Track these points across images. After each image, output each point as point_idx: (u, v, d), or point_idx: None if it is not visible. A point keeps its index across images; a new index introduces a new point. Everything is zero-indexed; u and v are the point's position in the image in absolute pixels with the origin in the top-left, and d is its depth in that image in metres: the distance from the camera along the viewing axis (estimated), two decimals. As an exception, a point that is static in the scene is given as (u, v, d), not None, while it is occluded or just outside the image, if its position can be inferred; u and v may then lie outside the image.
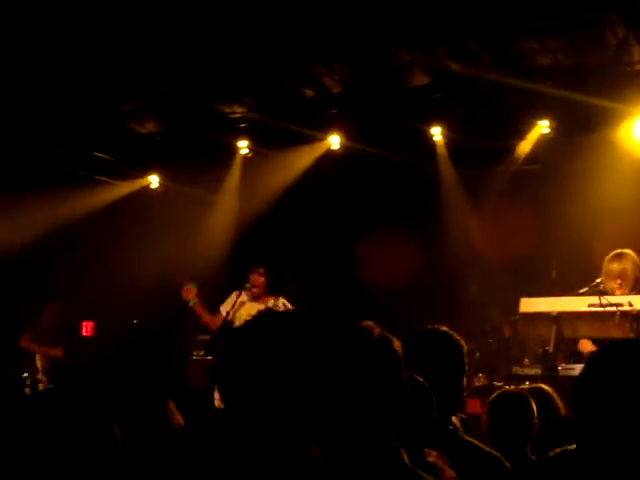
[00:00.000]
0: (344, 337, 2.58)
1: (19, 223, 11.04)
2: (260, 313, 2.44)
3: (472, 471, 3.19)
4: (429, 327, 3.73)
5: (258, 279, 9.45)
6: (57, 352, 10.10)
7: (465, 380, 3.65)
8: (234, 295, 9.45)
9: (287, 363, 2.24)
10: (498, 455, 3.35)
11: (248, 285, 9.39)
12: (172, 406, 4.08)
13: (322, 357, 2.30)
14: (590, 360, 2.46)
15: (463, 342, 3.69)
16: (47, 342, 10.13)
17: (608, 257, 8.14)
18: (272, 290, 9.42)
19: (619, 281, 8.01)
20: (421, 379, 3.35)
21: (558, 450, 2.69)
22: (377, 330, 2.70)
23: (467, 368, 3.65)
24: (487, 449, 3.38)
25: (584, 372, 2.41)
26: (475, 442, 3.41)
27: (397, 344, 2.71)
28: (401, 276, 10.71)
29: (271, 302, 9.21)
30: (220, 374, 2.31)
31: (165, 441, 2.79)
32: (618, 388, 2.31)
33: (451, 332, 3.68)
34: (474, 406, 6.92)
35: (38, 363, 10.05)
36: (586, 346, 7.99)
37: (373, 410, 2.58)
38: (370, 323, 2.74)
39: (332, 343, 2.35)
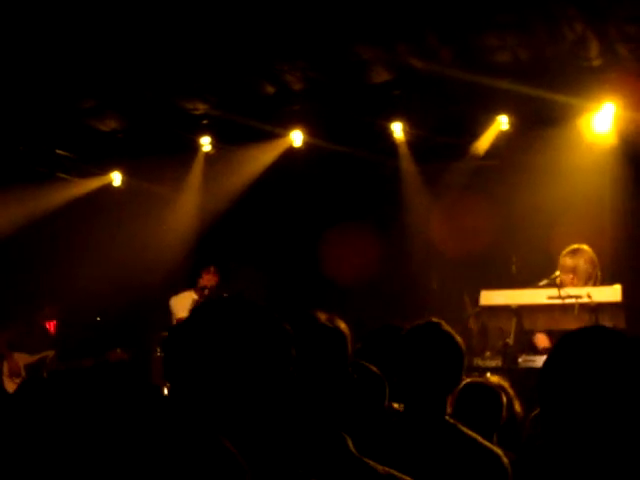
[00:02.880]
0: (289, 322, 2.49)
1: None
2: (202, 303, 2.36)
3: (468, 466, 3.13)
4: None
5: (212, 279, 9.21)
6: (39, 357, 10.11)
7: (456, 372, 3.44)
8: (189, 297, 9.24)
9: (229, 351, 2.15)
10: (497, 451, 3.22)
11: (203, 287, 9.15)
12: None
13: (264, 341, 2.22)
14: (554, 350, 2.44)
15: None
16: (34, 341, 10.13)
17: (564, 252, 8.29)
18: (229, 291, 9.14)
19: (571, 276, 8.18)
20: (374, 368, 3.31)
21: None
22: (323, 317, 2.70)
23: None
24: (487, 444, 3.26)
25: (548, 362, 2.38)
26: (476, 437, 3.26)
27: (344, 329, 2.69)
28: (364, 272, 10.76)
29: None
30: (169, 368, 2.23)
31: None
32: (583, 376, 2.30)
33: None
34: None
35: (5, 367, 10.01)
36: (542, 340, 8.10)
37: (316, 393, 2.57)
38: (320, 312, 2.73)
39: (276, 328, 2.27)
